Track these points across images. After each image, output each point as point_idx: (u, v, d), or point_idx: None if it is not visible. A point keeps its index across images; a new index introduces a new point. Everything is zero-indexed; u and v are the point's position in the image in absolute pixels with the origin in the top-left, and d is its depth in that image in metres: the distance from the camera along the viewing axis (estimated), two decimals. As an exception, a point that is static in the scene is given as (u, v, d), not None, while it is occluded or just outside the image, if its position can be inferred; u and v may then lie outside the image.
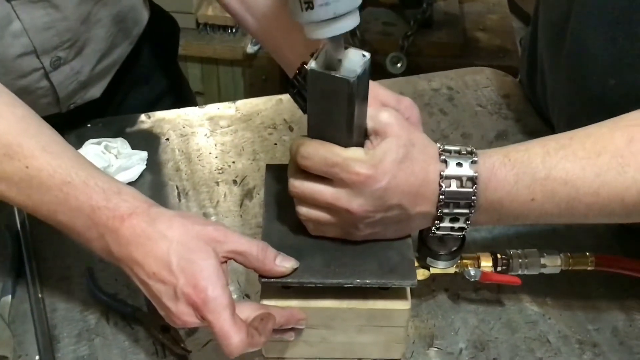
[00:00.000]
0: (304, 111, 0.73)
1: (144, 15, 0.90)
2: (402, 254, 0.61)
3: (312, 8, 0.50)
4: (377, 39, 1.68)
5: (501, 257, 0.67)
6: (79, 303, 0.70)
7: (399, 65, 1.65)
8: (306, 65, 0.70)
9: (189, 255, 0.55)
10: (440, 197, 0.58)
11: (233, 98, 1.91)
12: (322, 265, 0.60)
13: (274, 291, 0.60)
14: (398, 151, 0.57)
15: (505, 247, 0.68)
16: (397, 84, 1.00)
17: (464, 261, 0.66)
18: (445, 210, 0.58)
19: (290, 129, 0.91)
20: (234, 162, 0.86)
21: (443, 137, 0.90)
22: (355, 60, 0.55)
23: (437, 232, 0.61)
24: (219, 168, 0.86)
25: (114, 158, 0.83)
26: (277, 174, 0.68)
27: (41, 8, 0.71)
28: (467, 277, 0.66)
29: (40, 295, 0.70)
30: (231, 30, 1.79)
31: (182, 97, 1.05)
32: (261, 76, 1.80)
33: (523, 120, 0.93)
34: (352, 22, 0.52)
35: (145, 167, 0.84)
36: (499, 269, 0.67)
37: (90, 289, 0.71)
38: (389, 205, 0.57)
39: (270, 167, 0.69)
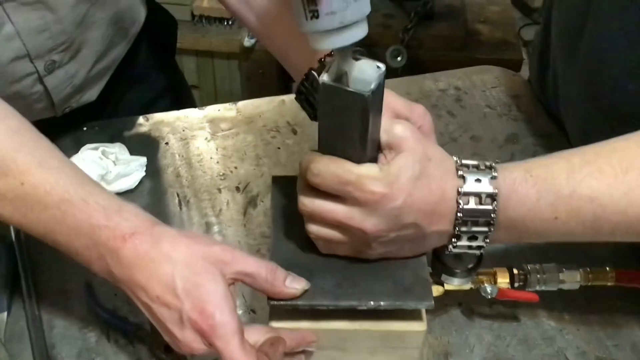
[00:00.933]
0: (312, 118, 0.70)
1: (142, 13, 0.87)
2: (416, 274, 0.58)
3: (317, 17, 0.47)
4: (376, 32, 1.64)
5: (518, 273, 0.64)
6: (78, 320, 0.67)
7: (399, 58, 1.62)
8: (314, 71, 0.67)
9: (194, 278, 0.52)
10: (458, 214, 0.55)
11: (229, 92, 1.89)
12: (333, 286, 0.57)
13: (283, 312, 0.58)
14: (414, 167, 0.54)
15: (518, 258, 0.66)
16: (403, 83, 0.97)
17: (480, 277, 0.64)
18: (463, 229, 0.56)
19: (294, 131, 0.88)
20: (236, 168, 0.83)
21: (452, 140, 0.88)
22: (369, 72, 0.52)
23: (454, 250, 0.58)
24: (221, 174, 0.83)
25: (112, 164, 0.79)
26: (284, 187, 0.65)
27: (35, 10, 0.67)
28: (484, 294, 0.64)
29: (37, 313, 0.67)
30: (227, 23, 1.74)
31: (181, 95, 1.02)
32: (258, 70, 1.76)
33: (533, 122, 0.90)
34: (360, 32, 0.49)
35: (144, 173, 0.81)
36: (516, 284, 0.64)
37: (90, 305, 0.68)
38: (404, 224, 0.55)
39: (276, 180, 0.66)
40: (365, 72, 0.52)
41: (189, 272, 0.52)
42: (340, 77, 0.51)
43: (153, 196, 0.80)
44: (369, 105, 0.51)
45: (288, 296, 0.55)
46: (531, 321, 0.68)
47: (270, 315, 0.58)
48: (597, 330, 0.67)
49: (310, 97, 0.68)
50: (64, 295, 0.69)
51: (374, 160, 0.55)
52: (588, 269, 0.65)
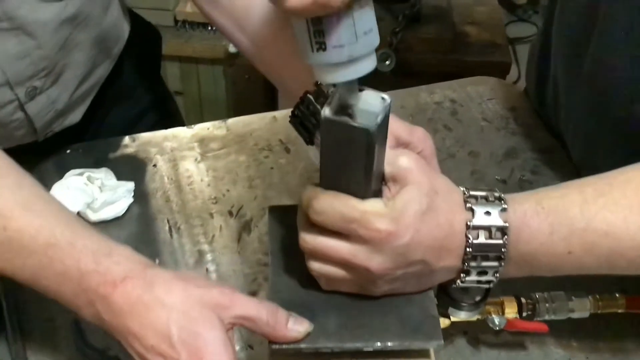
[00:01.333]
0: (307, 142, 0.67)
1: (126, 29, 0.83)
2: (424, 310, 0.56)
3: (324, 50, 0.44)
4: (364, 35, 1.61)
5: (526, 302, 0.62)
6: (66, 361, 0.64)
7: (387, 62, 1.59)
8: (309, 94, 0.64)
9: (191, 326, 0.49)
10: (467, 249, 0.52)
11: (214, 98, 1.85)
12: (337, 326, 0.54)
13: (285, 356, 0.55)
14: (421, 201, 0.51)
15: (525, 284, 0.63)
16: (398, 96, 0.94)
17: (487, 307, 0.61)
18: (473, 264, 0.53)
19: (287, 150, 0.85)
20: (228, 191, 0.80)
21: (449, 157, 0.85)
22: (373, 103, 0.49)
23: (462, 285, 0.56)
24: (213, 197, 0.80)
25: (98, 191, 0.76)
26: (282, 217, 0.62)
27: (14, 36, 0.63)
28: (491, 325, 0.61)
29: (23, 352, 0.64)
30: (211, 28, 1.70)
31: (167, 112, 0.98)
32: (244, 75, 1.73)
33: (532, 135, 0.88)
34: (368, 64, 0.46)
35: (132, 200, 0.77)
36: (524, 314, 0.62)
37: (78, 345, 0.64)
38: (411, 261, 0.52)
39: (273, 210, 0.63)
40: (370, 104, 0.49)
41: (185, 319, 0.49)
42: (342, 109, 0.49)
43: (142, 223, 0.76)
44: (374, 140, 0.48)
45: (291, 340, 0.52)
46: (539, 350, 0.65)
47: (271, 358, 0.55)
48: (607, 357, 0.65)
49: (305, 121, 0.65)
50: (51, 333, 0.66)
51: (378, 193, 0.53)
52: (597, 296, 0.63)
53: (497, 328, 0.61)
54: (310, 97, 0.64)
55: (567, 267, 0.53)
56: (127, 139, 0.86)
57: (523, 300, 0.62)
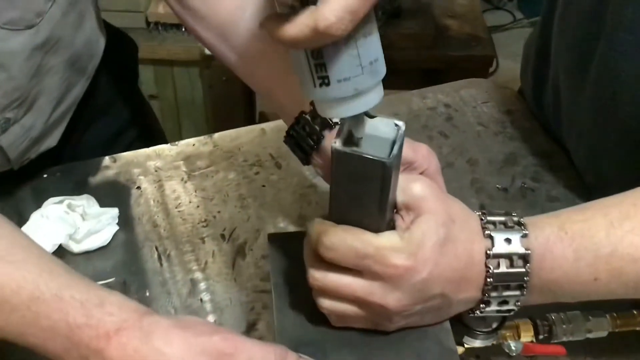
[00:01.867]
0: (304, 163, 0.63)
1: (101, 44, 0.78)
2: (441, 344, 0.52)
3: (327, 84, 0.40)
4: (344, 32, 1.57)
5: (542, 324, 0.59)
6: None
7: (369, 59, 1.55)
8: (305, 114, 0.60)
9: (195, 379, 0.45)
10: (488, 280, 0.49)
11: (191, 101, 1.79)
12: (351, 366, 0.51)
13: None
14: (438, 232, 0.48)
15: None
16: (390, 103, 0.91)
17: (502, 332, 0.58)
18: (494, 294, 0.50)
19: (278, 165, 0.81)
20: (219, 212, 0.76)
21: (448, 165, 0.82)
22: (386, 131, 0.45)
23: (480, 314, 0.52)
24: (203, 220, 0.75)
25: (80, 219, 0.71)
26: (283, 246, 0.58)
27: (-16, 70, 0.58)
28: (507, 351, 0.58)
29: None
30: (186, 29, 1.64)
31: (147, 127, 0.93)
32: (221, 77, 1.67)
33: (531, 140, 0.85)
34: (376, 96, 0.42)
35: (117, 227, 0.72)
36: (540, 337, 0.59)
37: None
38: (430, 296, 0.49)
39: (273, 238, 0.59)
40: (382, 131, 0.45)
41: (187, 371, 0.45)
42: (352, 138, 0.45)
43: (129, 252, 0.72)
44: (391, 172, 0.44)
45: (303, 385, 0.49)
46: (555, 371, 0.63)
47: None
48: (624, 375, 0.63)
49: (302, 142, 0.61)
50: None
51: (391, 223, 0.49)
52: (615, 314, 0.60)
53: (514, 354, 0.58)
54: (307, 117, 0.60)
55: (592, 294, 0.50)
56: (107, 160, 0.81)
57: (538, 322, 0.59)
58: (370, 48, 0.40)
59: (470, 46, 1.66)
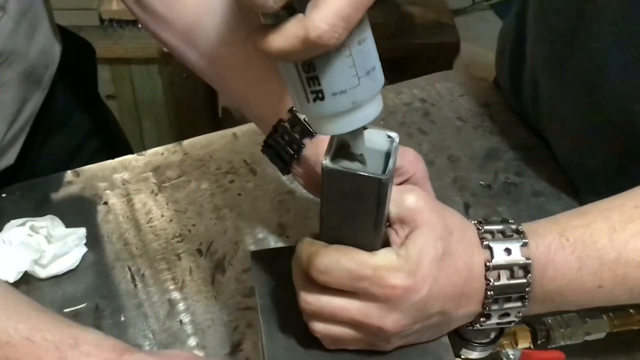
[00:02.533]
0: (284, 173, 0.60)
1: (57, 51, 0.72)
2: None
3: (322, 99, 0.37)
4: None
5: (539, 329, 0.58)
6: None
7: (334, 51, 1.51)
8: (284, 122, 0.57)
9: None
10: (488, 293, 0.47)
11: (151, 99, 1.73)
12: (349, 391, 0.48)
13: None
14: (436, 246, 0.45)
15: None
16: (364, 100, 0.87)
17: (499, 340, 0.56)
18: (494, 307, 0.48)
19: (253, 172, 0.77)
20: (194, 225, 0.72)
21: (429, 164, 0.78)
22: (378, 143, 0.42)
23: (480, 327, 0.50)
24: (177, 235, 0.71)
25: (45, 242, 0.66)
26: (267, 265, 0.55)
27: None
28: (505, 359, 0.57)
29: None
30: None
31: (109, 136, 0.88)
32: (181, 74, 1.61)
33: (511, 133, 0.83)
34: (375, 108, 0.39)
35: (85, 248, 0.68)
36: (538, 342, 0.58)
37: None
38: (429, 314, 0.46)
39: (256, 256, 0.56)
40: (375, 143, 0.42)
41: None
42: (342, 153, 0.42)
43: (99, 274, 0.67)
44: (386, 189, 0.41)
45: (300, 416, 0.46)
46: (553, 375, 0.61)
47: None
48: (621, 373, 0.61)
49: (281, 152, 0.57)
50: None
51: (384, 238, 0.46)
52: (612, 314, 0.59)
53: (512, 362, 0.57)
54: (286, 125, 0.57)
55: (596, 301, 0.48)
56: (69, 175, 0.76)
57: (536, 327, 0.58)
58: (366, 55, 0.37)
59: (435, 33, 1.64)
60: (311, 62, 0.36)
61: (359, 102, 0.37)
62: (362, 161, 0.41)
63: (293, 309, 0.49)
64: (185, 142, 0.80)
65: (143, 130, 1.78)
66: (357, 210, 0.42)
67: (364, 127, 0.42)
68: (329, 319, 0.46)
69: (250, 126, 0.81)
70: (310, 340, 0.50)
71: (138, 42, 1.57)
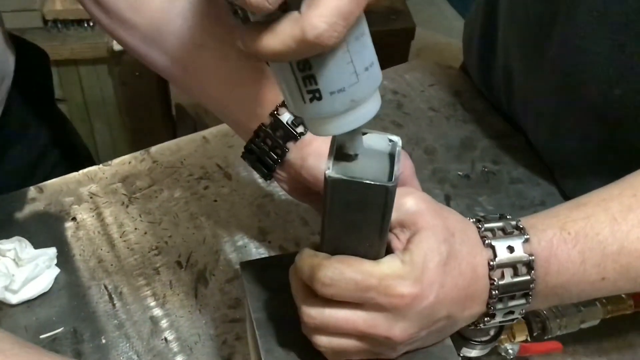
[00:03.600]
0: (266, 179, 0.57)
1: (11, 62, 0.68)
2: (446, 362, 0.49)
3: (319, 99, 0.35)
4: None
5: (534, 320, 0.57)
6: None
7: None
8: (265, 127, 0.54)
9: None
10: (493, 292, 0.46)
11: (101, 101, 1.66)
12: (356, 403, 0.46)
13: None
14: (440, 250, 0.43)
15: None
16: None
17: (497, 335, 0.56)
18: (499, 306, 0.47)
19: (227, 176, 0.75)
20: (170, 237, 0.69)
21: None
22: (380, 147, 0.40)
23: (484, 327, 0.49)
24: (154, 248, 0.68)
25: (14, 265, 0.62)
26: (259, 275, 0.52)
27: None
28: (504, 354, 0.56)
29: None
30: (88, 25, 1.51)
31: (70, 146, 0.84)
32: (134, 72, 1.56)
33: (484, 121, 0.83)
34: (374, 106, 0.37)
35: (58, 269, 0.64)
36: (534, 333, 0.57)
37: None
38: (436, 319, 0.45)
39: (246, 267, 0.53)
40: (377, 149, 0.40)
41: None
42: (343, 157, 0.40)
43: (74, 295, 0.63)
44: (392, 197, 0.39)
45: None
46: (549, 364, 0.61)
47: None
48: (613, 355, 0.62)
49: (264, 157, 0.55)
50: None
51: (386, 245, 0.45)
52: (604, 300, 0.59)
53: (511, 357, 0.56)
54: (268, 129, 0.54)
55: (600, 293, 0.48)
56: (32, 191, 0.71)
57: (531, 318, 0.57)
58: (365, 51, 0.35)
59: (389, 20, 1.63)
60: (307, 61, 0.34)
61: (358, 100, 0.35)
62: (356, 161, 0.39)
63: (289, 321, 0.47)
64: (153, 149, 0.77)
65: (95, 132, 1.72)
66: (362, 219, 0.40)
67: (364, 132, 0.40)
68: (333, 332, 0.44)
69: (221, 128, 0.78)
70: (311, 354, 0.48)
71: (85, 42, 1.51)
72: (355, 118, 0.36)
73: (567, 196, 0.74)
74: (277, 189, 0.72)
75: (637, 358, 0.62)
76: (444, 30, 2.57)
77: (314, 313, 0.44)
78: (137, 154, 0.76)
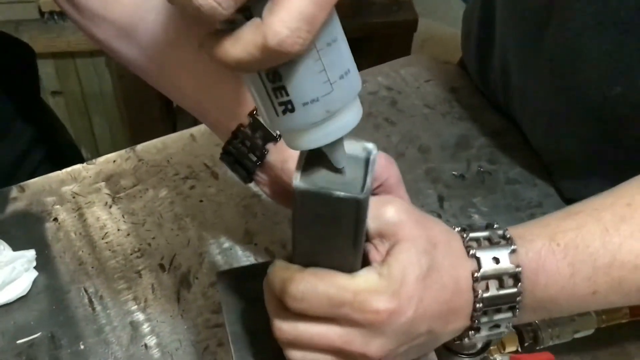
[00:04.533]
0: (245, 181, 0.55)
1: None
2: (428, 377, 0.47)
3: (292, 110, 0.32)
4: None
5: (525, 330, 0.55)
6: None
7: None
8: (244, 128, 0.52)
9: None
10: (477, 305, 0.44)
11: (99, 93, 1.65)
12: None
13: None
14: (420, 262, 0.41)
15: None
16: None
17: (486, 345, 0.54)
18: (484, 320, 0.44)
19: (214, 175, 0.73)
20: (154, 238, 0.67)
21: (400, 156, 0.76)
22: (356, 155, 0.38)
23: (469, 341, 0.47)
24: (136, 250, 0.66)
25: (-10, 269, 0.60)
26: (235, 285, 0.51)
27: None
28: (494, 366, 0.54)
29: None
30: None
31: (55, 144, 0.82)
32: (131, 65, 1.54)
33: (480, 119, 0.80)
34: (353, 116, 0.35)
35: (36, 272, 0.62)
36: (526, 344, 0.55)
37: None
38: (416, 335, 0.43)
39: (222, 277, 0.51)
40: (350, 156, 0.38)
41: None
42: (315, 163, 0.38)
43: (53, 299, 0.62)
44: (365, 208, 0.37)
45: None
46: (541, 374, 0.59)
47: None
48: (610, 367, 0.60)
49: (243, 159, 0.53)
50: None
51: (363, 256, 0.42)
52: (600, 310, 0.57)
53: (501, 368, 0.54)
54: (247, 130, 0.52)
55: (591, 307, 0.46)
56: (14, 191, 0.70)
57: (522, 328, 0.55)
58: (338, 58, 0.32)
59: (391, 11, 1.60)
60: (276, 71, 0.31)
61: (333, 111, 0.33)
62: (343, 173, 0.37)
63: (266, 335, 0.45)
64: (139, 147, 0.75)
65: (93, 125, 1.70)
66: (333, 232, 0.38)
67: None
68: (307, 347, 0.42)
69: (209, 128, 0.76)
70: (288, 366, 0.46)
71: (82, 34, 1.49)
72: (332, 130, 0.34)
73: (565, 197, 0.71)
74: (264, 189, 0.70)
75: (633, 368, 0.59)
76: (450, 20, 2.53)
77: (286, 327, 0.42)
78: (123, 152, 0.74)
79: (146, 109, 1.67)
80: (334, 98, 0.33)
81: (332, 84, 0.32)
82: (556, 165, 0.72)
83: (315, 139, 0.34)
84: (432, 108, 0.82)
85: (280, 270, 0.41)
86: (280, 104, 0.32)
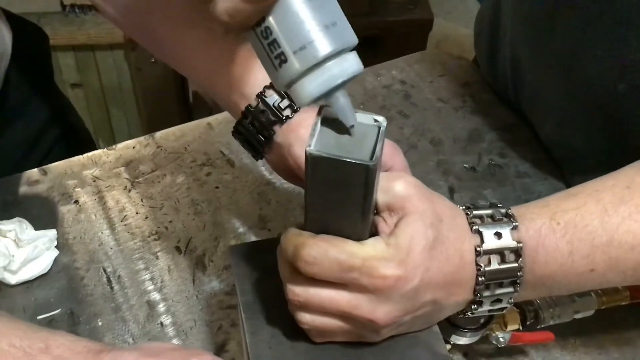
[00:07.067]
0: (256, 158, 0.57)
1: (7, 40, 0.69)
2: (432, 351, 0.48)
3: (285, 61, 0.36)
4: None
5: (527, 309, 0.56)
6: None
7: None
8: (252, 108, 0.54)
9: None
10: (480, 279, 0.45)
11: (118, 86, 1.68)
12: (341, 386, 0.46)
13: None
14: (426, 234, 0.43)
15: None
16: (341, 83, 0.85)
17: (489, 324, 0.55)
18: (486, 294, 0.46)
19: (231, 163, 0.75)
20: (170, 222, 0.69)
21: (411, 147, 0.77)
22: (365, 127, 0.40)
23: (472, 315, 0.49)
24: (154, 232, 0.68)
25: (14, 246, 0.63)
26: (247, 259, 0.52)
27: None
28: (495, 343, 0.56)
29: None
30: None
31: (69, 125, 0.84)
32: (149, 58, 1.57)
33: (493, 113, 0.82)
34: (351, 65, 0.37)
35: (57, 251, 0.65)
36: (527, 323, 0.57)
37: None
38: (421, 303, 0.44)
39: (235, 251, 0.53)
40: (361, 127, 0.40)
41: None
42: (328, 134, 0.40)
43: (73, 278, 0.64)
44: (374, 176, 0.39)
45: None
46: (544, 356, 0.60)
47: None
48: (613, 353, 0.60)
49: (251, 139, 0.55)
50: None
51: (372, 227, 0.44)
52: (600, 291, 0.58)
53: (502, 345, 0.56)
54: (254, 111, 0.54)
55: (589, 285, 0.47)
56: (36, 173, 0.72)
57: (524, 307, 0.57)
58: (321, 9, 0.35)
59: (407, 10, 1.61)
60: (267, 27, 0.35)
61: (321, 58, 0.35)
62: (351, 134, 0.39)
63: (276, 305, 0.48)
64: (158, 134, 0.77)
65: (111, 118, 1.73)
66: (343, 198, 0.40)
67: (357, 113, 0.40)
68: (316, 311, 0.44)
69: (226, 115, 0.78)
70: (295, 337, 0.48)
71: (102, 27, 1.52)
72: (327, 77, 0.36)
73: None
74: (279, 177, 0.72)
75: (636, 352, 0.60)
76: (465, 21, 2.53)
77: (298, 291, 0.44)
78: (142, 138, 0.77)
79: (163, 103, 1.70)
80: (321, 45, 0.35)
81: (316, 32, 0.35)
82: (566, 161, 0.74)
83: (312, 88, 0.36)
84: (445, 102, 0.83)
85: (293, 237, 0.43)
86: (276, 57, 0.35)
